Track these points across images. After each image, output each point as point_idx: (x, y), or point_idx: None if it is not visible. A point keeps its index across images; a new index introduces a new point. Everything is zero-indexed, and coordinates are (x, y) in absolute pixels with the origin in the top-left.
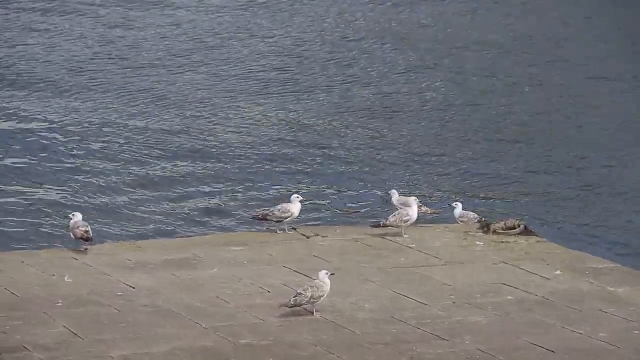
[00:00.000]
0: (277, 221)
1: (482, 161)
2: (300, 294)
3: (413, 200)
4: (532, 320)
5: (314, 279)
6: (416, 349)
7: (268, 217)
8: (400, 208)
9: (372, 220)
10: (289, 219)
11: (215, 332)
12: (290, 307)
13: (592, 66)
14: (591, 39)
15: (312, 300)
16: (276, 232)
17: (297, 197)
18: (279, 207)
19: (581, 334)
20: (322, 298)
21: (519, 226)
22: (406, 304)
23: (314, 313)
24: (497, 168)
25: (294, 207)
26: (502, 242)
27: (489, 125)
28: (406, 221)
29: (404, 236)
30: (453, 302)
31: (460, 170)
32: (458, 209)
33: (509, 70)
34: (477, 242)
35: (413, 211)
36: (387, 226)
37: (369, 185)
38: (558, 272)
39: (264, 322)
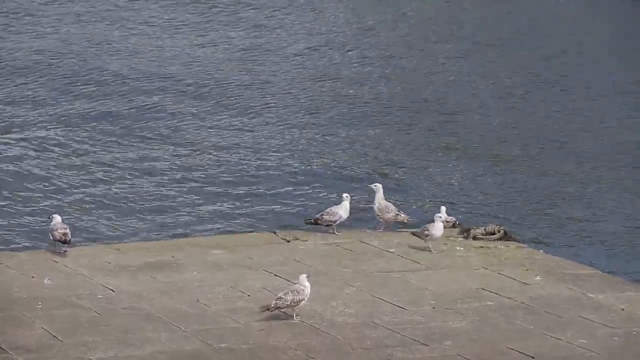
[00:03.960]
0: (327, 225)
1: (462, 167)
2: (281, 298)
3: (394, 209)
4: (512, 326)
5: (295, 283)
6: (396, 353)
7: (319, 222)
8: (378, 212)
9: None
10: (338, 221)
11: (195, 336)
12: (272, 310)
13: (586, 74)
14: (591, 47)
15: (292, 304)
16: (335, 233)
17: (347, 196)
18: (327, 210)
19: (561, 340)
20: (302, 302)
21: (499, 232)
22: (386, 308)
23: (294, 317)
24: (477, 174)
25: (341, 209)
26: (482, 247)
27: (469, 131)
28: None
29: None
30: (433, 307)
31: (440, 176)
32: (442, 213)
33: (493, 77)
34: (457, 248)
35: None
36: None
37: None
38: (538, 277)
39: (244, 326)
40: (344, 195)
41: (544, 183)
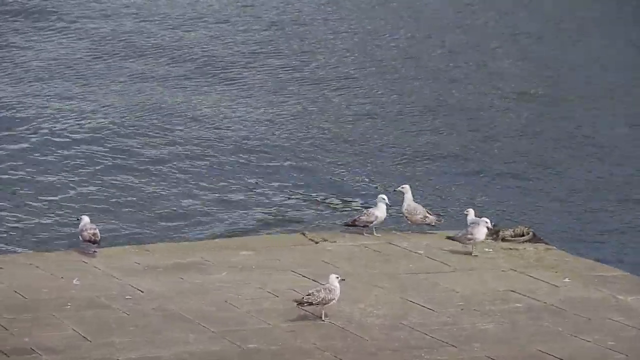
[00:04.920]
0: (363, 226)
1: (492, 169)
2: (313, 294)
3: (422, 210)
4: (540, 328)
5: (325, 284)
6: (424, 355)
7: (357, 223)
8: (406, 214)
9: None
10: (375, 222)
11: (223, 337)
12: (303, 305)
13: (606, 72)
14: (599, 40)
15: (323, 302)
16: (363, 234)
17: (384, 197)
18: (364, 212)
19: (589, 342)
20: (333, 301)
21: (527, 233)
22: (415, 310)
23: (323, 317)
24: (506, 176)
25: (378, 210)
26: (511, 249)
27: (497, 132)
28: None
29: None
30: (461, 309)
31: (469, 177)
32: (470, 215)
33: (515, 76)
34: (486, 249)
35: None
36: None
37: (375, 190)
38: (567, 280)
39: (272, 327)
40: (380, 196)
41: (573, 185)
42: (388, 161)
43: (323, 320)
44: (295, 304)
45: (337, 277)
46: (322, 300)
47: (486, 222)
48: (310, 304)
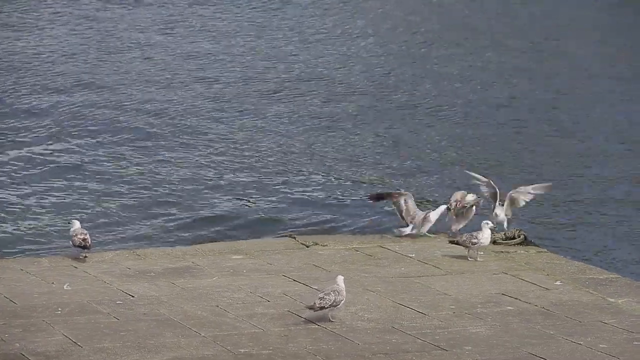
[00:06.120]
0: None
1: (482, 172)
2: (324, 298)
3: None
4: (532, 331)
5: (315, 288)
6: (416, 359)
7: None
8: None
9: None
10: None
11: (215, 342)
12: (316, 310)
13: (602, 76)
14: (600, 37)
15: (334, 304)
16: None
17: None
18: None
19: (581, 345)
20: (342, 302)
21: (519, 236)
22: (406, 314)
23: (330, 319)
24: (496, 179)
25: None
26: (502, 252)
27: (487, 136)
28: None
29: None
30: (453, 312)
31: (459, 181)
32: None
33: (518, 73)
34: (477, 252)
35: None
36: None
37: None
38: (558, 282)
39: (264, 331)
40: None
41: (564, 188)
42: (379, 164)
43: (332, 320)
44: (308, 309)
45: (343, 278)
46: (332, 302)
47: (487, 224)
48: (323, 307)
